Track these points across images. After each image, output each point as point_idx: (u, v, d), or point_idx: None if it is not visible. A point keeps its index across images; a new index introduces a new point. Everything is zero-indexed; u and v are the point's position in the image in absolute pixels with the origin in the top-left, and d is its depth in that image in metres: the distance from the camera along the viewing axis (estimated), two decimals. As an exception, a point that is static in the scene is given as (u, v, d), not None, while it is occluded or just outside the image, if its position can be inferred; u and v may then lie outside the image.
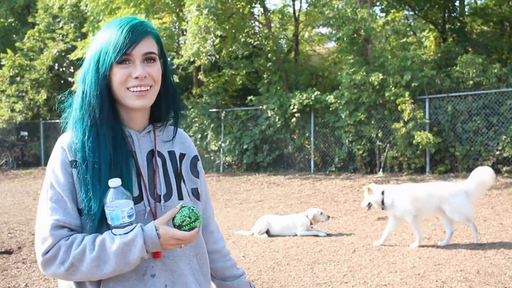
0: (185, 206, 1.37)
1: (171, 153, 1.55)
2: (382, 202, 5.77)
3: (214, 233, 1.71)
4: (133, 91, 1.40)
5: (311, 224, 6.49)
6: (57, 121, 18.85)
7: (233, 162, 14.24)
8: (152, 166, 1.47)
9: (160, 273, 1.42)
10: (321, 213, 6.49)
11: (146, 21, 1.48)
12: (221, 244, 1.75)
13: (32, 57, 19.11)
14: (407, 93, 11.02)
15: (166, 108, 1.53)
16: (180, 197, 1.49)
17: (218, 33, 13.04)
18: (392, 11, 15.31)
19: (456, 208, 5.64)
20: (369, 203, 5.91)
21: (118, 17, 11.96)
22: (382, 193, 5.79)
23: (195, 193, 1.56)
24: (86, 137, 1.39)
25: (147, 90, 1.42)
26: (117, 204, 1.32)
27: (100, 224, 1.36)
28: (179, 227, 1.34)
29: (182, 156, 1.58)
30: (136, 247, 1.30)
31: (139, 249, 1.30)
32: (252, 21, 15.55)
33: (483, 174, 5.82)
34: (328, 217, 6.56)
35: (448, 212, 5.68)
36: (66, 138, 1.43)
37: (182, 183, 1.53)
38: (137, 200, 1.41)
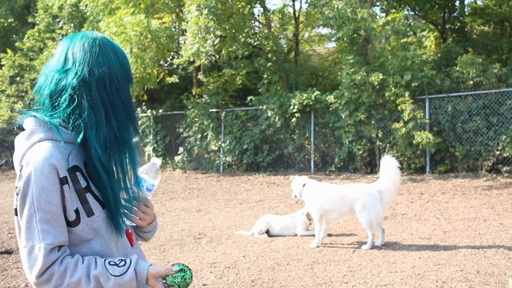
0: (180, 271, 1.48)
1: None
2: (301, 194, 6.02)
3: None
4: None
5: (310, 223, 6.49)
6: (57, 121, 18.85)
7: (233, 162, 14.24)
8: None
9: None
10: None
11: None
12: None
13: (32, 57, 19.11)
14: (407, 93, 11.02)
15: None
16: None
17: (218, 33, 13.04)
18: (392, 11, 15.30)
19: (364, 210, 5.69)
20: (295, 195, 6.14)
21: (117, 17, 11.89)
22: (303, 185, 5.98)
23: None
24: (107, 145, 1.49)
25: None
26: (145, 176, 1.63)
27: (120, 216, 1.52)
28: (167, 286, 1.48)
29: None
30: (130, 287, 1.44)
31: (132, 287, 1.45)
32: (252, 21, 15.54)
33: (390, 167, 5.89)
34: None
35: (357, 213, 5.78)
36: (52, 154, 1.39)
37: None
38: None
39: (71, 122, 1.44)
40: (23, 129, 1.49)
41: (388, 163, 5.94)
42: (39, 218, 1.36)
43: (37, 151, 1.40)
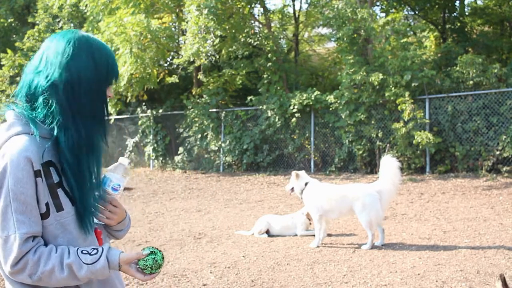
0: (151, 254, 1.53)
1: None
2: (302, 192, 6.00)
3: None
4: None
5: (310, 223, 6.49)
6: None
7: (233, 162, 14.24)
8: None
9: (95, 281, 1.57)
10: None
11: None
12: None
13: (32, 57, 19.09)
14: (407, 93, 11.02)
15: None
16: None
17: (218, 33, 13.03)
18: (392, 11, 15.30)
19: (364, 210, 5.69)
20: (293, 188, 6.11)
21: (117, 17, 11.88)
22: (306, 184, 5.97)
23: None
24: (75, 144, 1.50)
25: None
26: (112, 175, 1.66)
27: (88, 215, 1.53)
28: (139, 270, 1.53)
29: None
30: (103, 275, 1.49)
31: (105, 275, 1.49)
32: (252, 21, 15.54)
33: (390, 167, 5.89)
34: None
35: (356, 213, 5.77)
36: (27, 147, 1.44)
37: None
38: None
39: (46, 123, 1.48)
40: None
41: (388, 163, 5.94)
42: (14, 209, 1.40)
43: (13, 144, 1.44)
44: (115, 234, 1.75)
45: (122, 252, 1.51)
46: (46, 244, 1.46)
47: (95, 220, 1.62)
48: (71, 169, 1.49)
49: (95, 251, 1.47)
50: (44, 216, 1.44)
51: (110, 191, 1.65)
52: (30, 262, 1.40)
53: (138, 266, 1.52)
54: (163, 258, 1.54)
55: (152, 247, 1.54)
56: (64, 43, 1.52)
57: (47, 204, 1.44)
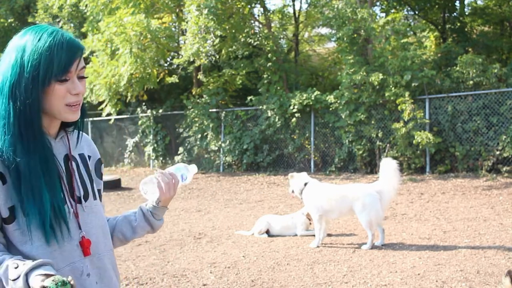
0: (57, 282, 1.25)
1: (82, 156, 1.61)
2: (301, 192, 5.99)
3: (120, 218, 1.77)
4: (71, 106, 1.43)
5: (310, 223, 6.49)
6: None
7: (233, 162, 14.24)
8: (69, 169, 1.52)
9: (91, 271, 1.50)
10: None
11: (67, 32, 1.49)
12: (130, 217, 1.76)
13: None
14: (407, 93, 11.02)
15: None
16: (95, 197, 1.58)
17: (218, 33, 13.03)
18: (392, 11, 15.30)
19: (364, 210, 5.69)
20: (293, 190, 6.11)
21: (117, 17, 11.86)
22: (305, 184, 5.98)
23: (100, 194, 1.65)
24: (16, 149, 1.37)
25: (79, 104, 1.46)
26: (186, 169, 1.76)
27: (48, 226, 1.39)
28: None
29: (89, 157, 1.65)
30: None
31: None
32: (252, 21, 15.54)
33: (390, 168, 5.89)
34: None
35: (356, 213, 5.77)
36: None
37: (94, 184, 1.62)
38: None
39: None
40: None
41: (388, 165, 5.94)
42: None
43: None
44: (153, 221, 1.70)
45: (39, 275, 1.24)
46: (11, 253, 1.37)
47: (146, 196, 1.61)
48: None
49: (23, 265, 1.27)
50: (8, 221, 1.37)
51: (178, 176, 1.71)
52: None
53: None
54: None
55: (63, 281, 1.23)
56: (9, 42, 1.54)
57: (11, 208, 1.37)
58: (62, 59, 1.37)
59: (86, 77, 1.48)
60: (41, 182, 1.39)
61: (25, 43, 1.41)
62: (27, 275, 1.25)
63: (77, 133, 1.60)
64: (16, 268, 1.28)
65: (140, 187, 1.69)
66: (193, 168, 1.79)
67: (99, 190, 1.64)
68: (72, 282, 1.25)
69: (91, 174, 1.61)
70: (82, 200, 1.52)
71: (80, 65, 1.43)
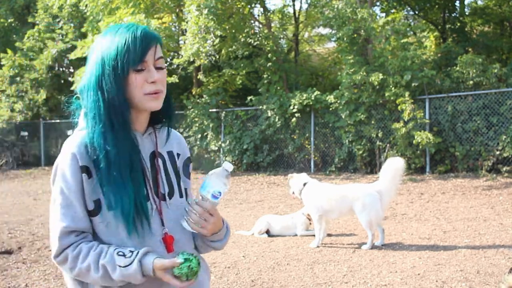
0: (185, 261, 1.42)
1: (170, 153, 1.62)
2: (300, 193, 6.00)
3: None
4: (149, 95, 1.47)
5: (310, 223, 6.49)
6: (57, 121, 18.86)
7: (233, 162, 14.24)
8: (154, 166, 1.55)
9: None
10: None
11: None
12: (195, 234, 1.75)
13: (32, 57, 19.10)
14: (407, 93, 11.02)
15: (164, 110, 1.57)
16: (181, 195, 1.59)
17: (218, 33, 13.03)
18: (392, 11, 15.31)
19: (364, 210, 5.68)
20: (294, 191, 6.12)
21: (117, 17, 11.91)
22: (304, 184, 5.98)
23: (186, 193, 1.65)
24: (106, 141, 1.43)
25: (159, 93, 1.49)
26: (215, 181, 1.50)
27: (131, 220, 1.43)
28: (175, 277, 1.42)
29: (178, 155, 1.66)
30: (136, 279, 1.40)
31: (138, 280, 1.41)
32: (252, 21, 15.54)
33: (393, 167, 5.88)
34: None
35: (356, 213, 5.77)
36: (76, 142, 1.45)
37: (181, 182, 1.63)
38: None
39: None
40: None
41: (392, 164, 5.92)
42: (59, 202, 1.43)
43: (69, 139, 1.49)
44: (211, 245, 1.64)
45: (157, 257, 1.41)
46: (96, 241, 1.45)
47: (186, 226, 1.51)
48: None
49: (130, 253, 1.39)
50: (93, 213, 1.44)
51: (209, 198, 1.50)
52: (70, 257, 1.41)
53: (173, 274, 1.42)
54: (199, 264, 1.44)
55: (187, 253, 1.44)
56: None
57: (97, 201, 1.43)
58: (136, 49, 1.43)
59: (165, 67, 1.51)
60: (127, 175, 1.44)
61: (105, 40, 1.47)
62: (140, 261, 1.38)
63: (167, 130, 1.63)
64: (122, 255, 1.38)
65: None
66: (227, 166, 1.55)
67: (186, 189, 1.64)
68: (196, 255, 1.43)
69: (178, 172, 1.62)
70: (167, 197, 1.54)
71: (157, 55, 1.47)
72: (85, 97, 1.47)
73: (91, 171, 1.43)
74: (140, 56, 1.43)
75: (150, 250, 1.42)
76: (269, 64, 14.06)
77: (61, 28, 19.26)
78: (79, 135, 1.46)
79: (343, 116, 12.08)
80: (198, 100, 14.85)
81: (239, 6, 14.10)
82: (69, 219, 1.41)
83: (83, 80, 1.48)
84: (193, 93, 15.61)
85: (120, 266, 1.37)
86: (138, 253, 1.40)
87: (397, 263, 5.01)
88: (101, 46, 1.47)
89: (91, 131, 1.44)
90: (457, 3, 15.79)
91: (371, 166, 12.14)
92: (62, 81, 19.75)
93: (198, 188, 1.54)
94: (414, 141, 10.83)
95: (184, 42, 13.49)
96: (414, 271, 4.70)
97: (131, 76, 1.43)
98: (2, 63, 18.73)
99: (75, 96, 1.55)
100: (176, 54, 15.62)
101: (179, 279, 1.41)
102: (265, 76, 14.22)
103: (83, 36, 17.46)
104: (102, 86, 1.43)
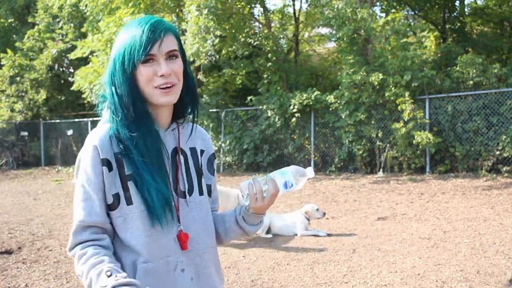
0: None
1: (193, 150, 1.60)
2: None
3: (219, 216, 1.72)
4: (160, 89, 1.44)
5: (309, 223, 6.49)
6: (57, 121, 18.86)
7: (233, 162, 14.24)
8: (175, 163, 1.53)
9: (187, 267, 1.50)
10: (317, 210, 6.49)
11: (163, 19, 1.50)
12: (225, 217, 1.71)
13: (32, 57, 19.11)
14: (407, 93, 11.02)
15: (187, 103, 1.56)
16: (201, 193, 1.57)
17: (218, 33, 13.04)
18: (392, 11, 15.31)
19: None
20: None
21: (117, 17, 11.92)
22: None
23: (209, 189, 1.62)
24: (132, 132, 1.43)
25: (172, 87, 1.45)
26: (294, 175, 1.52)
27: (158, 212, 1.42)
28: None
29: (202, 152, 1.63)
30: None
31: None
32: (252, 21, 15.54)
33: None
34: (324, 214, 6.57)
35: None
36: (99, 135, 1.44)
37: (203, 179, 1.60)
38: None
39: None
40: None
41: None
42: (80, 195, 1.43)
43: (93, 132, 1.48)
44: (246, 228, 1.60)
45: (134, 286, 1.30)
46: (111, 237, 1.44)
47: (243, 188, 1.51)
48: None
49: (115, 277, 1.29)
50: (112, 207, 1.42)
51: (281, 183, 1.52)
52: (77, 255, 1.41)
53: None
54: None
55: None
56: None
57: (116, 195, 1.42)
58: (143, 41, 1.40)
59: (179, 59, 1.47)
60: (156, 166, 1.43)
61: (120, 35, 1.47)
62: None
63: (191, 126, 1.60)
64: (109, 276, 1.31)
65: (239, 189, 1.57)
66: (309, 172, 1.55)
67: (208, 186, 1.62)
68: None
69: (200, 169, 1.59)
70: (187, 194, 1.52)
71: (165, 47, 1.43)
72: (106, 91, 1.49)
73: (112, 164, 1.42)
74: (144, 49, 1.40)
75: (134, 284, 1.29)
76: (269, 64, 14.06)
77: (61, 28, 19.26)
78: (103, 128, 1.46)
79: (343, 116, 12.08)
80: (198, 100, 14.84)
81: (239, 6, 14.11)
82: (86, 213, 1.40)
83: (105, 74, 1.51)
84: (193, 93, 15.60)
85: (101, 286, 1.30)
86: (118, 280, 1.28)
87: (397, 263, 5.01)
88: (116, 42, 1.48)
89: (114, 123, 1.45)
90: (457, 3, 15.80)
91: (371, 166, 12.14)
92: (62, 81, 19.77)
93: (277, 170, 1.56)
94: (414, 141, 10.83)
95: (184, 42, 13.49)
96: (414, 271, 4.70)
97: (139, 70, 1.42)
98: (2, 63, 18.73)
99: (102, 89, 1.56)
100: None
101: None
102: (265, 76, 14.22)
103: (83, 36, 17.47)
104: (114, 80, 1.45)
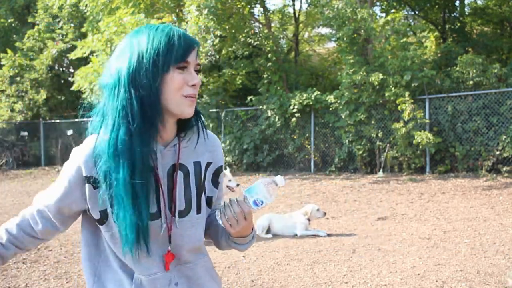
0: None
1: (197, 164, 1.49)
2: None
3: (214, 224, 1.65)
4: (189, 98, 1.36)
5: (309, 223, 6.49)
6: (57, 121, 18.86)
7: (233, 162, 14.24)
8: (172, 180, 1.44)
9: (180, 280, 1.48)
10: (318, 210, 6.49)
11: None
12: (218, 231, 1.67)
13: (32, 57, 19.11)
14: (407, 93, 11.02)
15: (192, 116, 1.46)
16: (199, 211, 1.49)
17: (218, 33, 13.04)
18: (392, 11, 15.31)
19: None
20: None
21: (117, 17, 11.86)
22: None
23: (209, 201, 1.55)
24: (133, 139, 1.32)
25: (195, 99, 1.39)
26: (263, 189, 1.43)
27: (131, 241, 1.36)
28: None
29: (208, 164, 1.53)
30: None
31: None
32: (252, 21, 15.55)
33: None
34: (325, 213, 6.57)
35: None
36: (84, 151, 1.38)
37: (203, 196, 1.52)
38: (155, 216, 1.40)
39: None
40: None
41: None
42: (55, 187, 1.46)
43: (79, 145, 1.45)
44: (233, 245, 1.55)
45: None
46: (101, 256, 1.46)
47: (217, 217, 1.44)
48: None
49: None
50: (100, 222, 1.40)
51: (250, 203, 1.43)
52: (28, 209, 1.49)
53: None
54: None
55: None
56: None
57: (104, 212, 1.38)
58: (181, 45, 1.33)
59: (199, 72, 1.41)
60: (141, 192, 1.34)
61: (141, 36, 1.36)
62: None
63: (197, 139, 1.49)
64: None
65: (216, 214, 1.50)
66: (279, 181, 1.47)
67: (210, 198, 1.54)
68: None
69: (202, 185, 1.50)
70: (177, 215, 1.44)
71: (197, 59, 1.38)
72: (110, 96, 1.34)
73: (98, 181, 1.35)
74: (183, 54, 1.33)
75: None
76: (269, 64, 14.06)
77: (61, 28, 19.27)
78: (90, 142, 1.38)
79: (343, 116, 12.08)
80: (198, 100, 14.84)
81: (239, 6, 14.11)
82: (50, 203, 1.43)
83: (106, 78, 1.37)
84: (193, 93, 15.60)
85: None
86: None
87: (397, 263, 5.01)
88: (136, 43, 1.34)
89: (113, 133, 1.32)
90: (457, 3, 15.80)
91: (371, 166, 12.14)
92: (62, 81, 19.77)
93: (244, 189, 1.47)
94: (414, 141, 10.83)
95: (184, 42, 13.49)
96: (414, 271, 4.70)
97: (171, 75, 1.32)
98: (2, 63, 18.73)
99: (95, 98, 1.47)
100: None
101: None
102: (265, 76, 14.23)
103: (83, 36, 17.47)
104: (136, 81, 1.31)
